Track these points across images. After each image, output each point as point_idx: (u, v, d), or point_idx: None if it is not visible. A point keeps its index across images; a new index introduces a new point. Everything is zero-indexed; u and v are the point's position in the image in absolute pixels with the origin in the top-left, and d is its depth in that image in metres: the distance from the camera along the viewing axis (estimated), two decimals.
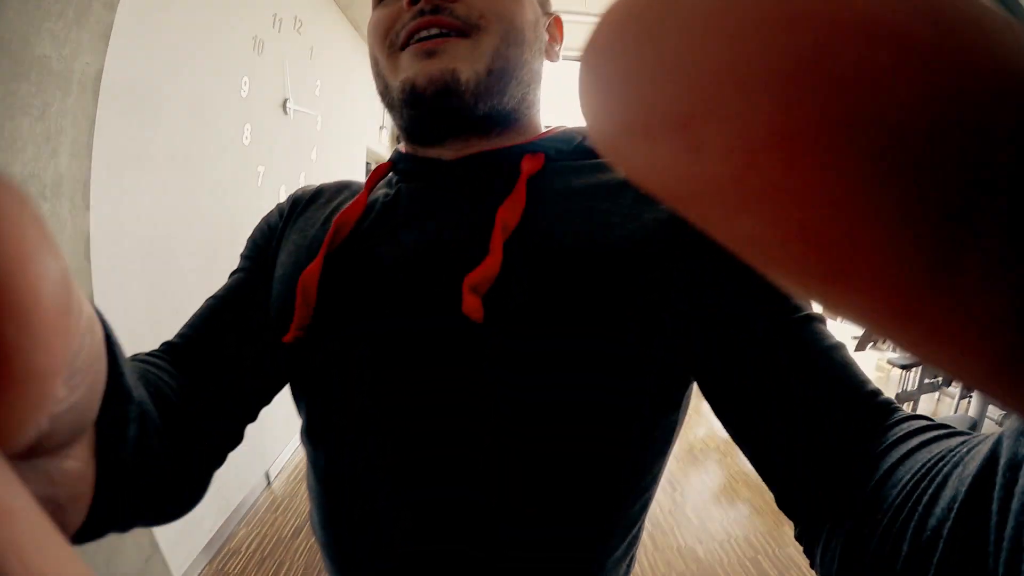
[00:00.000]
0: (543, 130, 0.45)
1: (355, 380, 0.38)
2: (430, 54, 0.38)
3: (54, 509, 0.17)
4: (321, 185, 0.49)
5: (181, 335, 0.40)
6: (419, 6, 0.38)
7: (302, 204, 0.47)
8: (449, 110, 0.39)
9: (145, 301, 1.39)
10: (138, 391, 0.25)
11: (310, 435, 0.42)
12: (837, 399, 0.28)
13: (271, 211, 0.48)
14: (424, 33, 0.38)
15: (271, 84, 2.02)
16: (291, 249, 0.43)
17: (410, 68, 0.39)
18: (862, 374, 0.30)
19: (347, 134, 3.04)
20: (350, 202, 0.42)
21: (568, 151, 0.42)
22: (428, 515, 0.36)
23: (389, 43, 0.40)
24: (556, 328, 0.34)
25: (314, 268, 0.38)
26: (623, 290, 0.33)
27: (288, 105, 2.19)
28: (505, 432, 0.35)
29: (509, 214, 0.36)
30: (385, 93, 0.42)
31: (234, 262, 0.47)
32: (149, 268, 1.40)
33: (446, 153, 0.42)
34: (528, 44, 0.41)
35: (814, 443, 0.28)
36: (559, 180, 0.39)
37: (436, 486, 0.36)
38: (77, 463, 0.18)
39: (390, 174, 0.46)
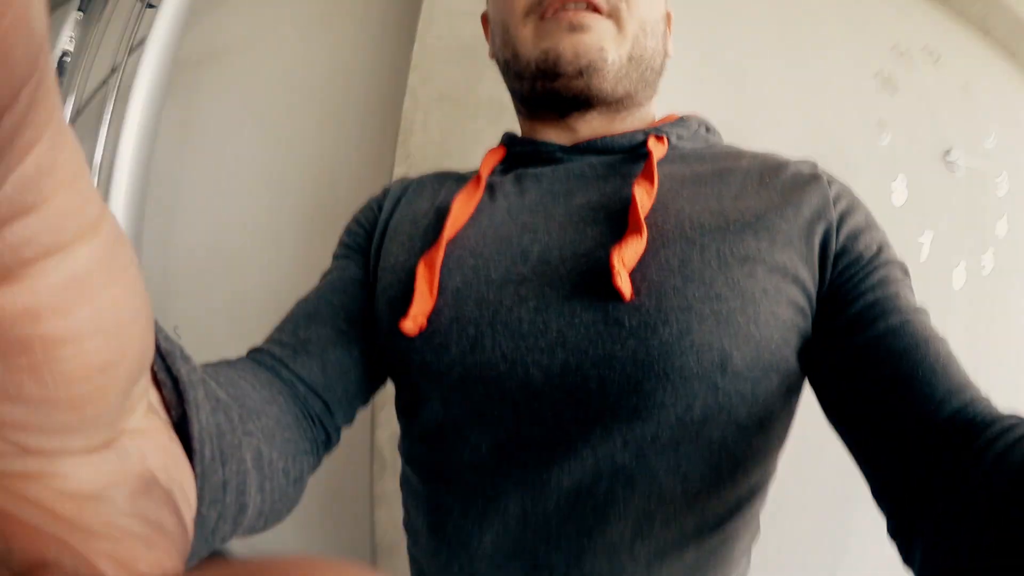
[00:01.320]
0: (659, 117, 0.46)
1: (487, 367, 0.34)
2: (579, 27, 0.38)
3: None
4: (422, 176, 0.49)
5: (286, 334, 0.38)
6: None
7: (404, 195, 0.46)
8: (588, 87, 0.39)
9: None
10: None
11: (423, 438, 0.39)
12: (941, 386, 0.30)
13: (363, 207, 0.48)
14: (572, 6, 0.38)
15: (916, 131, 1.43)
16: (403, 240, 0.42)
17: (554, 38, 0.38)
18: (964, 372, 0.31)
19: None
20: (464, 186, 0.41)
21: (688, 137, 0.43)
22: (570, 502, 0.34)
23: (527, 9, 0.40)
24: (700, 290, 0.32)
25: (435, 253, 0.36)
26: (757, 264, 0.34)
27: (950, 159, 1.48)
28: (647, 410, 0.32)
29: (645, 193, 0.35)
30: (513, 60, 0.42)
31: None
32: None
33: (562, 134, 0.43)
34: (659, 36, 0.43)
35: (918, 428, 0.29)
36: (683, 165, 0.40)
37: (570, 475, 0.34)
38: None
39: (502, 160, 0.45)
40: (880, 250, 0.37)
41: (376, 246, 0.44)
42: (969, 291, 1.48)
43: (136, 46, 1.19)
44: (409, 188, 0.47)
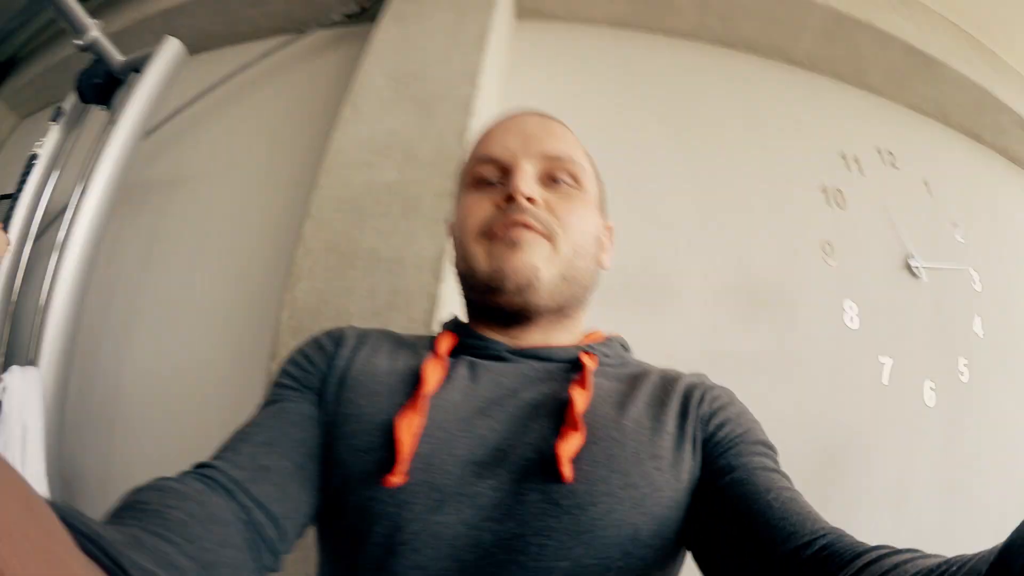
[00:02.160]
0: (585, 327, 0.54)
1: (446, 527, 0.39)
2: (516, 244, 0.45)
3: None
4: (366, 330, 0.51)
5: (243, 457, 0.40)
6: (516, 202, 0.46)
7: (359, 346, 0.49)
8: (526, 303, 0.46)
9: None
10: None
11: None
12: (784, 526, 0.36)
13: (309, 345, 0.49)
14: (513, 228, 0.45)
15: (871, 243, 1.37)
16: (368, 394, 0.45)
17: (501, 258, 0.45)
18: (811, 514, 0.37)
19: None
20: (428, 360, 0.46)
21: (612, 355, 0.51)
22: None
23: (480, 232, 0.47)
24: (622, 473, 0.40)
25: (413, 418, 0.41)
26: (663, 460, 0.42)
27: (913, 264, 1.41)
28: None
29: (581, 397, 0.43)
30: (468, 274, 0.48)
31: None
32: None
33: (507, 339, 0.49)
34: (590, 257, 0.50)
35: (764, 564, 0.36)
36: (607, 379, 0.47)
37: None
38: None
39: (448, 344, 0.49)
40: (744, 432, 0.45)
41: (334, 391, 0.45)
42: (945, 404, 1.36)
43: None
44: (364, 342, 0.49)
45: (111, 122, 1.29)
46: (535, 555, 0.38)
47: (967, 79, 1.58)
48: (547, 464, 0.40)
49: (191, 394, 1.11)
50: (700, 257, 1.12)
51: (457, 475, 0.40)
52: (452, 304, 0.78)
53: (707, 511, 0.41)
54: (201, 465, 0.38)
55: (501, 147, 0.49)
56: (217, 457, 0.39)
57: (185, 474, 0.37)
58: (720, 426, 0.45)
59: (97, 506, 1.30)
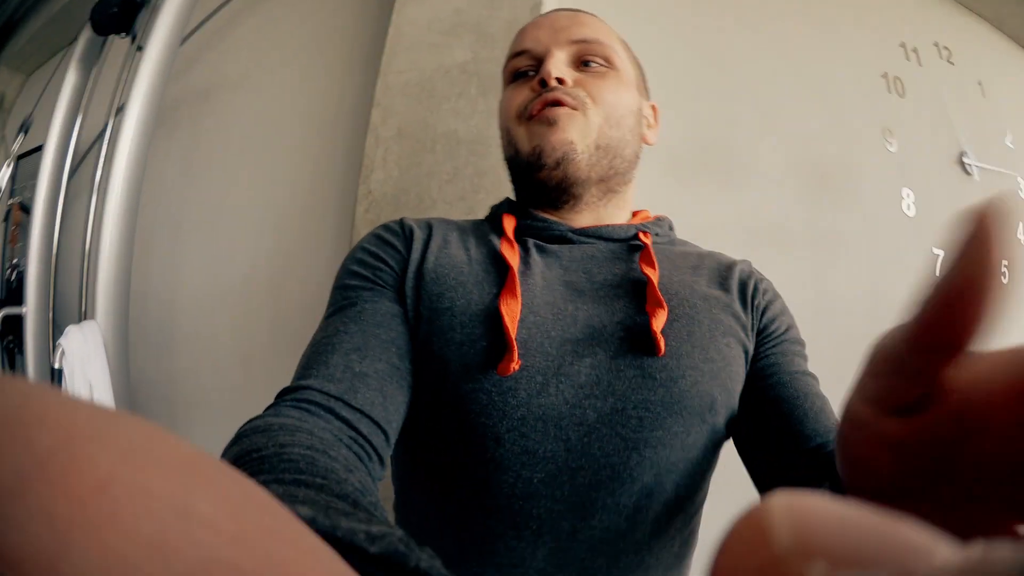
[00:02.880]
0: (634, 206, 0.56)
1: (550, 409, 0.41)
2: (554, 122, 0.46)
3: None
4: (428, 220, 0.51)
5: (336, 369, 0.38)
6: (547, 85, 0.47)
7: (430, 239, 0.48)
8: (565, 176, 0.47)
9: None
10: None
11: (459, 472, 0.43)
12: (809, 427, 0.42)
13: (376, 241, 0.48)
14: (547, 107, 0.47)
15: (929, 135, 1.34)
16: (455, 286, 0.44)
17: (540, 136, 0.47)
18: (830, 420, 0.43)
19: None
20: (503, 244, 0.47)
21: (663, 234, 0.53)
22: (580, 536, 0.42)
23: (519, 113, 0.49)
24: (701, 348, 0.44)
25: (514, 306, 0.42)
26: (731, 337, 0.46)
27: (966, 161, 1.38)
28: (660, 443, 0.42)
29: (652, 273, 0.45)
30: (515, 159, 0.50)
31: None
32: None
33: (561, 221, 0.50)
34: (627, 128, 0.50)
35: (788, 455, 0.42)
36: (666, 258, 0.49)
37: (591, 518, 0.41)
38: None
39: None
40: (787, 329, 0.50)
41: (413, 286, 0.45)
42: None
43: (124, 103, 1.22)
44: (431, 233, 0.49)
45: (137, 47, 1.23)
46: (635, 427, 0.41)
47: None
48: (638, 340, 0.42)
49: (260, 307, 1.10)
50: (769, 136, 1.10)
51: (556, 356, 0.42)
52: None
53: (752, 401, 0.46)
54: (290, 390, 0.37)
55: (532, 40, 0.50)
56: (305, 376, 0.38)
57: (278, 405, 0.35)
58: (772, 319, 0.49)
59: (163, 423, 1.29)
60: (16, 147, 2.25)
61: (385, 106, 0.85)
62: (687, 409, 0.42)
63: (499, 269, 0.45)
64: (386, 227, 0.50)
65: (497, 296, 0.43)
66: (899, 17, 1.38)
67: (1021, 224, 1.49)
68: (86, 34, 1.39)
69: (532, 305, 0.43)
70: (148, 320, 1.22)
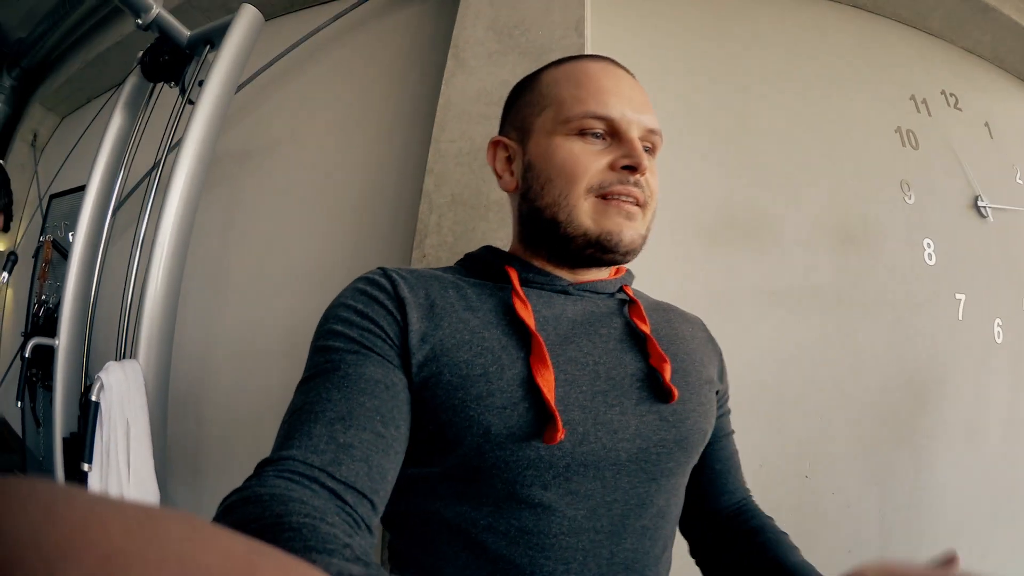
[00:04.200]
0: None
1: (590, 455, 0.45)
2: (632, 218, 0.51)
3: None
4: (398, 273, 0.50)
5: (320, 440, 0.38)
6: (638, 177, 0.50)
7: (414, 301, 0.47)
8: (623, 260, 0.52)
9: None
10: None
11: (507, 519, 0.44)
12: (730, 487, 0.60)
13: (353, 302, 0.47)
14: (626, 197, 0.50)
15: (944, 183, 1.39)
16: (478, 351, 0.46)
17: (614, 223, 0.50)
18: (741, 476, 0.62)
19: None
20: (515, 303, 0.49)
21: (632, 285, 0.59)
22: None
23: (590, 188, 0.50)
24: (695, 393, 0.52)
25: (548, 374, 0.45)
26: (712, 387, 0.56)
27: (980, 204, 1.43)
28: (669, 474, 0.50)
29: (646, 328, 0.53)
30: (565, 222, 0.50)
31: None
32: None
33: (566, 275, 0.54)
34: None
35: (712, 510, 0.60)
36: (645, 308, 0.56)
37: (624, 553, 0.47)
38: None
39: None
40: (726, 390, 0.62)
41: (426, 355, 0.45)
42: (1011, 342, 1.41)
43: (174, 145, 1.27)
44: (427, 294, 0.48)
45: (188, 99, 1.28)
46: (654, 462, 0.48)
47: (1018, 24, 1.58)
48: (652, 389, 0.49)
49: (296, 370, 1.12)
50: (793, 199, 1.14)
51: (591, 407, 0.46)
52: None
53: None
54: (272, 460, 0.37)
55: (618, 111, 0.50)
56: (287, 446, 0.38)
57: (261, 476, 0.35)
58: (724, 380, 0.60)
59: (189, 495, 1.30)
60: (48, 186, 2.30)
61: (438, 173, 0.90)
62: (690, 444, 0.50)
63: (516, 329, 0.47)
64: (369, 281, 0.48)
65: (526, 360, 0.45)
66: (906, 70, 1.45)
67: None
68: (133, 79, 1.45)
69: (558, 362, 0.46)
70: (180, 374, 1.24)
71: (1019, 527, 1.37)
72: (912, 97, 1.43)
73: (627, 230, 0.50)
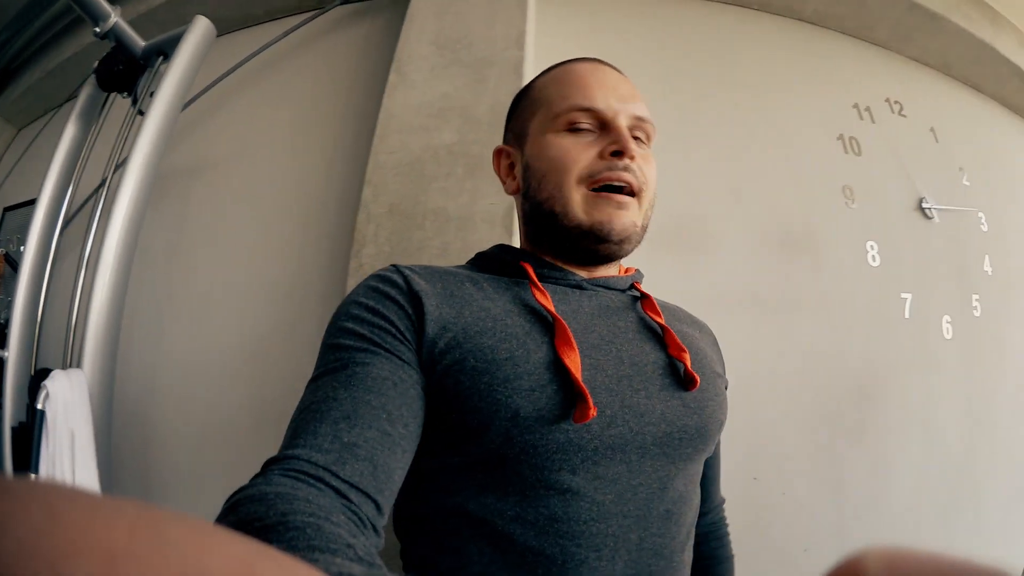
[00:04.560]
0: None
1: (617, 438, 0.46)
2: (624, 207, 0.51)
3: None
4: (411, 270, 0.50)
5: (324, 439, 0.38)
6: (626, 161, 0.51)
7: (430, 292, 0.48)
8: (620, 251, 0.54)
9: None
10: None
11: (534, 506, 0.44)
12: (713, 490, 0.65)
13: (374, 299, 0.47)
14: (617, 185, 0.51)
15: (887, 187, 1.43)
16: (500, 338, 0.46)
17: (605, 213, 0.51)
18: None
19: None
20: (535, 293, 0.50)
21: (635, 283, 0.59)
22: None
23: (580, 179, 0.51)
24: (711, 384, 0.53)
25: (575, 356, 0.45)
26: (721, 379, 0.57)
27: (925, 206, 1.47)
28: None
29: (662, 321, 0.53)
30: (561, 214, 0.52)
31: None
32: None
33: (579, 271, 0.55)
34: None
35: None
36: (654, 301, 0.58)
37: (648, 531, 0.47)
38: None
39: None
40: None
41: (448, 342, 0.45)
42: (961, 338, 1.44)
43: (124, 158, 1.26)
44: (444, 286, 0.49)
45: (139, 110, 1.28)
46: (676, 447, 0.48)
47: (967, 32, 1.64)
48: (673, 376, 0.50)
49: (245, 382, 1.12)
50: (735, 205, 1.16)
51: (617, 391, 0.47)
52: None
53: None
54: (278, 459, 0.36)
55: (603, 102, 0.52)
56: (293, 445, 0.37)
57: (267, 474, 0.35)
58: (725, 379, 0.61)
59: (139, 480, 1.27)
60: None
61: (376, 183, 0.91)
62: (708, 432, 0.50)
63: (537, 317, 0.48)
64: (381, 278, 0.48)
65: (550, 344, 0.46)
66: (850, 79, 1.49)
67: (987, 257, 1.58)
68: (88, 88, 1.44)
69: (582, 347, 0.47)
70: (128, 384, 1.23)
71: (974, 521, 1.39)
72: (855, 105, 1.47)
73: (617, 219, 0.51)
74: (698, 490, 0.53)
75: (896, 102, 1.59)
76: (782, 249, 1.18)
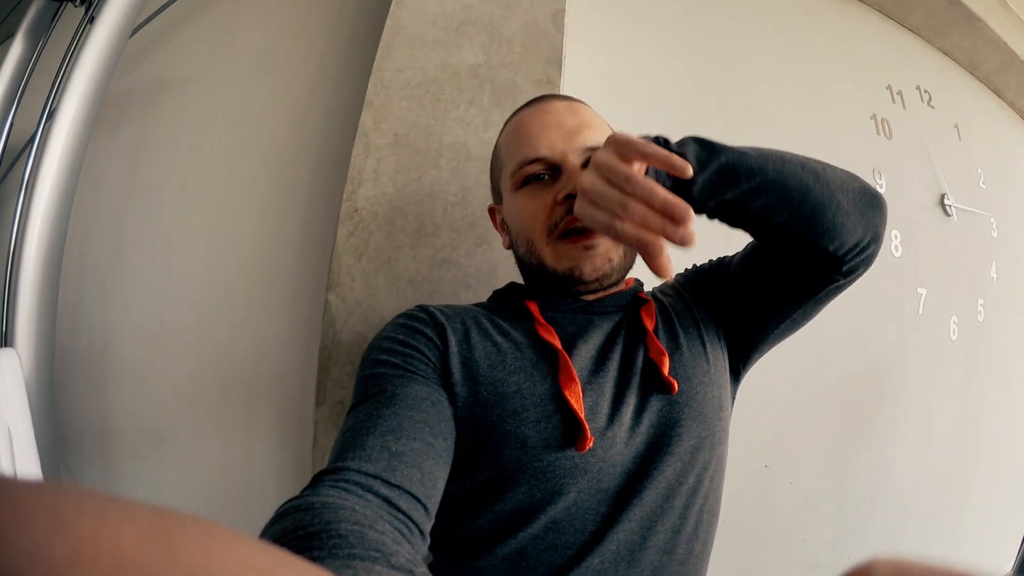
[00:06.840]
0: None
1: (616, 454, 0.49)
2: (591, 248, 0.52)
3: None
4: (436, 308, 0.55)
5: (373, 451, 0.40)
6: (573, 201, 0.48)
7: (453, 328, 0.52)
8: (602, 286, 0.55)
9: None
10: None
11: (534, 533, 0.47)
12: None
13: (396, 333, 0.51)
14: (579, 226, 0.51)
15: (913, 176, 1.36)
16: (512, 370, 0.50)
17: (573, 259, 0.53)
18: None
19: None
20: (539, 329, 0.53)
21: (638, 292, 0.61)
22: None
23: (546, 230, 0.53)
24: (699, 383, 0.54)
25: (576, 388, 0.49)
26: (706, 342, 0.57)
27: (947, 203, 1.42)
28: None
29: (650, 324, 0.55)
30: (539, 268, 0.55)
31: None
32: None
33: (578, 297, 0.57)
34: None
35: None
36: (657, 315, 0.59)
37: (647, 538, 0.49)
38: None
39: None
40: (700, 269, 0.64)
41: (464, 374, 0.49)
42: (965, 341, 1.42)
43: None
44: (463, 322, 0.53)
45: (90, 16, 1.04)
46: (674, 442, 0.50)
47: (999, 38, 1.59)
48: (655, 382, 0.51)
49: (215, 340, 0.93)
50: None
51: (609, 412, 0.50)
52: None
53: (742, 280, 0.58)
54: (327, 472, 0.38)
55: (547, 146, 0.53)
56: (341, 458, 0.39)
57: (316, 486, 0.36)
58: (694, 281, 0.63)
59: (97, 473, 1.08)
60: None
61: (378, 107, 0.74)
62: (706, 415, 0.52)
63: (544, 349, 0.51)
64: (410, 316, 0.53)
65: (555, 377, 0.49)
66: (883, 60, 1.41)
67: (994, 263, 1.57)
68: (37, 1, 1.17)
69: (583, 375, 0.50)
70: (78, 350, 1.02)
71: (960, 521, 1.39)
72: (889, 87, 1.39)
73: (587, 263, 0.52)
74: (719, 475, 0.54)
75: (926, 91, 1.52)
76: None
